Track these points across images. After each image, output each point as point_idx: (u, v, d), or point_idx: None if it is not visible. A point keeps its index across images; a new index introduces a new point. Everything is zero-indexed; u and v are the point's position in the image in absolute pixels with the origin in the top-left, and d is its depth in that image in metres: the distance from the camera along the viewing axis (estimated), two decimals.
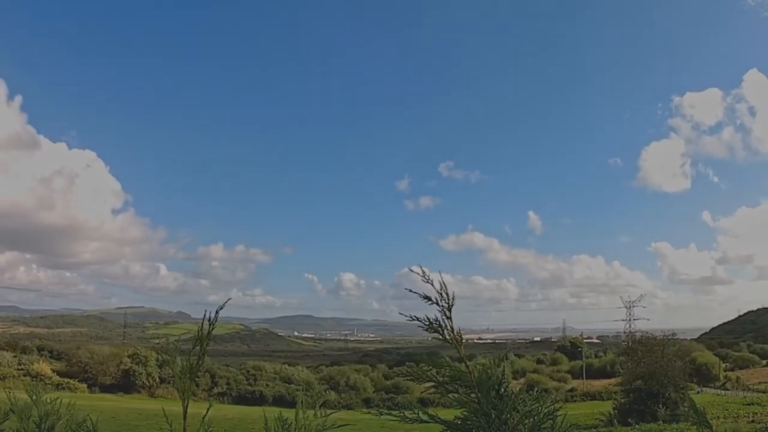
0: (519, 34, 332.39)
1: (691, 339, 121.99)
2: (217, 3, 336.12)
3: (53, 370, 66.92)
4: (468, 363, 1.80)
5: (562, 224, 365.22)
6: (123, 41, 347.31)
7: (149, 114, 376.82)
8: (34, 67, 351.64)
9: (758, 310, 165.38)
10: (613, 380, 68.91)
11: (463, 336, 1.82)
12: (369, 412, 2.01)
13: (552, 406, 1.77)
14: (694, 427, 1.84)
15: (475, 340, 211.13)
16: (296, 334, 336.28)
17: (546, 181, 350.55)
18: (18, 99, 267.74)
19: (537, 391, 1.86)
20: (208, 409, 1.84)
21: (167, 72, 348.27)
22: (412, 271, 1.81)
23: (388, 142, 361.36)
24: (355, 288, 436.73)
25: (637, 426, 30.38)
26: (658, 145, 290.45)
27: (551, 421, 1.77)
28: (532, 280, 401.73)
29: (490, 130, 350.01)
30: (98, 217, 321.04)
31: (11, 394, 2.26)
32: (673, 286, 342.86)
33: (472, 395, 1.78)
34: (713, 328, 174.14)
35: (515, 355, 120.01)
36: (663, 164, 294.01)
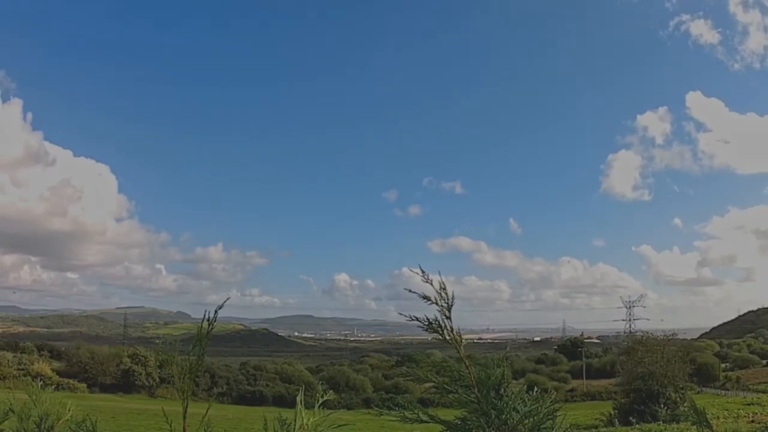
0: (487, 59, 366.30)
1: (692, 339, 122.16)
2: (215, 13, 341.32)
3: (53, 370, 66.94)
4: (467, 363, 1.80)
5: (543, 231, 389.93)
6: (125, 48, 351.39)
7: (152, 122, 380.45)
8: (38, 74, 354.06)
9: (758, 310, 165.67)
10: (613, 380, 68.84)
11: (462, 336, 1.82)
12: (369, 413, 2.02)
13: (552, 406, 1.77)
14: (694, 427, 1.84)
15: (475, 340, 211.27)
16: (296, 334, 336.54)
17: (523, 192, 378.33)
18: (19, 102, 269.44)
19: (537, 391, 1.85)
20: (207, 409, 1.84)
21: (167, 81, 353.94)
22: (412, 271, 1.81)
23: (376, 154, 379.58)
24: (351, 288, 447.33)
25: (637, 426, 30.39)
26: (620, 158, 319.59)
27: (551, 421, 1.76)
28: (527, 282, 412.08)
29: (468, 145, 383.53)
30: (102, 222, 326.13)
31: (11, 394, 2.26)
32: (665, 288, 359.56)
33: (472, 395, 1.78)
34: (713, 328, 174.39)
35: (515, 354, 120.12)
36: (626, 176, 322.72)
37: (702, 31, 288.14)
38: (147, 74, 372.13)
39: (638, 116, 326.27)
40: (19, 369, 64.63)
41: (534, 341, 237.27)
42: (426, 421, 1.78)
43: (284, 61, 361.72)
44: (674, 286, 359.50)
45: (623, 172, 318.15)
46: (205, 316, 1.77)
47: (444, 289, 1.79)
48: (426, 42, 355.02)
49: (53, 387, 2.43)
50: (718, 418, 31.45)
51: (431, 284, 1.79)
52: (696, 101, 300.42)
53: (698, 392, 62.43)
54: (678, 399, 34.52)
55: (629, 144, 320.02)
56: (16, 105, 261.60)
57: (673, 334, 53.93)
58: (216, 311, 1.79)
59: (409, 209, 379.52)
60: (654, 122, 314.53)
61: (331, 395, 1.98)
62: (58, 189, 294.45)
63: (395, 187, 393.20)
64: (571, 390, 75.71)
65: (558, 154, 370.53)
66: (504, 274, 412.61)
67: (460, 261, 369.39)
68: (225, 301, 1.88)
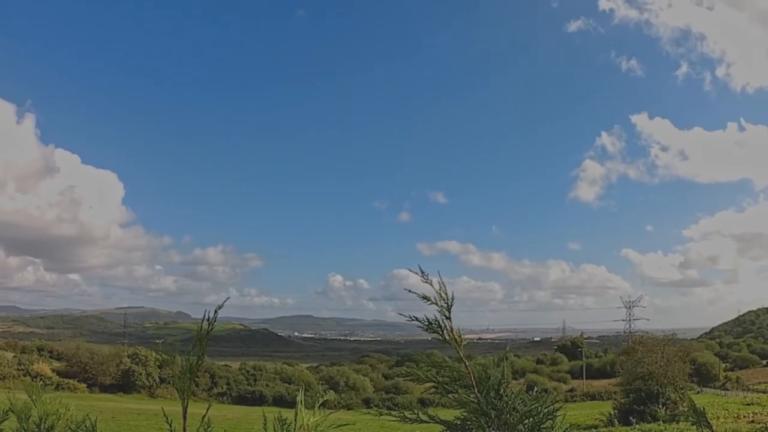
0: (465, 81, 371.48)
1: (692, 339, 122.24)
2: (215, 16, 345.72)
3: (53, 370, 66.92)
4: (467, 363, 1.79)
5: (525, 236, 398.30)
6: (129, 53, 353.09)
7: (153, 125, 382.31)
8: (43, 77, 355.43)
9: (758, 310, 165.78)
10: (613, 380, 68.87)
11: (463, 336, 1.81)
12: (369, 413, 2.00)
13: (552, 406, 1.77)
14: (694, 427, 1.83)
15: (475, 340, 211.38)
16: (296, 334, 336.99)
17: (504, 199, 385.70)
18: (29, 115, 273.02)
19: (536, 391, 1.85)
20: (207, 409, 1.84)
21: (168, 83, 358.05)
22: (411, 272, 1.80)
23: (368, 163, 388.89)
24: (345, 289, 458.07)
25: (637, 426, 30.42)
26: (585, 169, 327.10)
27: (551, 421, 1.76)
28: (518, 282, 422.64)
29: (451, 155, 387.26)
30: (106, 227, 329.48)
31: (11, 394, 2.26)
32: (655, 289, 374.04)
33: (472, 395, 1.77)
34: (713, 328, 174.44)
35: (515, 355, 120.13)
36: (591, 187, 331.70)
37: (632, 66, 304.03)
38: (148, 76, 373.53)
39: (596, 138, 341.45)
40: (19, 369, 64.58)
41: (534, 341, 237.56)
42: (426, 421, 1.78)
43: (284, 65, 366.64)
44: (663, 287, 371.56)
45: (589, 184, 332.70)
46: (204, 316, 1.77)
47: (443, 289, 1.79)
48: (411, 56, 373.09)
49: (53, 387, 2.42)
50: (718, 418, 31.46)
51: (431, 284, 1.78)
52: (643, 122, 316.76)
53: (698, 392, 62.42)
54: (678, 399, 34.54)
55: (592, 157, 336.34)
56: (28, 116, 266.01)
57: (673, 334, 53.97)
58: (216, 311, 1.78)
59: (399, 216, 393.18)
60: (610, 140, 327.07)
61: (331, 395, 1.98)
62: (64, 195, 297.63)
63: (385, 197, 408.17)
64: (571, 390, 75.66)
65: (532, 164, 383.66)
66: (494, 275, 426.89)
67: (449, 263, 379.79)
68: (225, 301, 1.87)
